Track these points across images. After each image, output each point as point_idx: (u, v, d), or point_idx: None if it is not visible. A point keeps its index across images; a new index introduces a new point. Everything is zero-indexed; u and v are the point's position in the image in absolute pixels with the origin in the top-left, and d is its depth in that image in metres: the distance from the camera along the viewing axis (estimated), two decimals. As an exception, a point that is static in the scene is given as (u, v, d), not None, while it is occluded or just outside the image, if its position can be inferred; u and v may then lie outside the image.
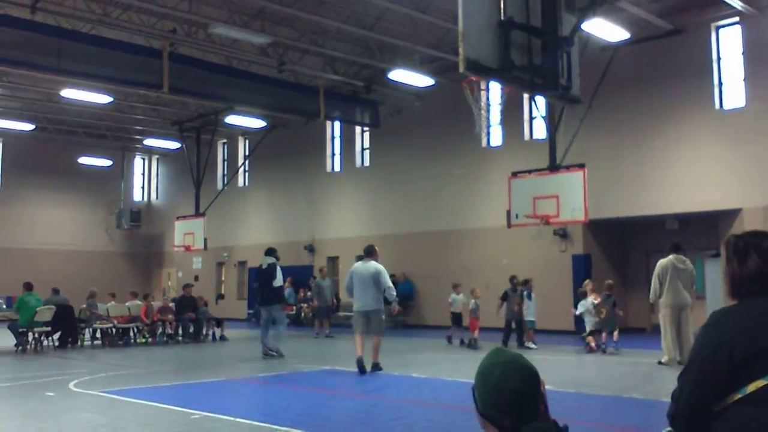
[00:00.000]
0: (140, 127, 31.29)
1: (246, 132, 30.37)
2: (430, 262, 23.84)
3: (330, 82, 23.22)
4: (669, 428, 2.61)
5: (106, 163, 33.71)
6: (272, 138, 27.64)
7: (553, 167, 16.78)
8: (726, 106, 18.49)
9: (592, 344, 15.41)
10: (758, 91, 17.70)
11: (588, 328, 15.70)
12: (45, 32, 17.17)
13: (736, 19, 18.12)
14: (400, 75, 20.76)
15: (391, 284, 12.37)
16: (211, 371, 13.39)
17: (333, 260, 27.23)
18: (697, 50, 18.66)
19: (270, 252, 15.92)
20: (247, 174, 32.13)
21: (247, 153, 31.38)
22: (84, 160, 32.77)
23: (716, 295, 17.35)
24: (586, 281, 16.67)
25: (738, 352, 2.43)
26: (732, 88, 18.48)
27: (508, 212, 16.81)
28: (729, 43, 18.60)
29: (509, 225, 16.94)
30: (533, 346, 16.10)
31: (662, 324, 13.12)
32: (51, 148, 32.03)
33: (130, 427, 7.99)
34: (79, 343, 18.33)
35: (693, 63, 18.67)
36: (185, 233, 25.36)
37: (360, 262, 12.60)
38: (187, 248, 25.39)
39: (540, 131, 21.37)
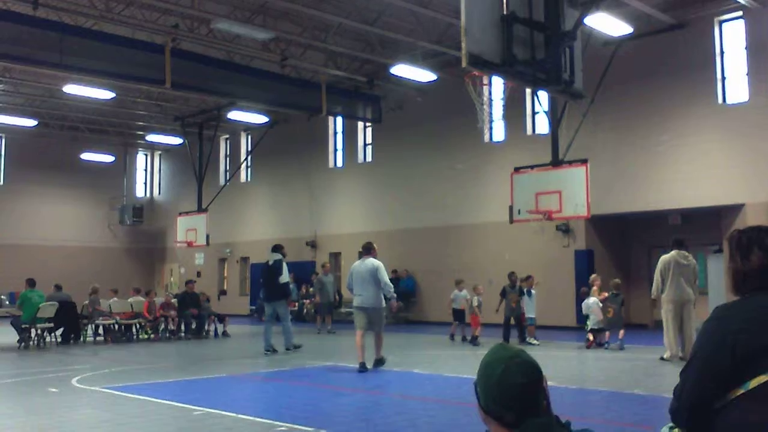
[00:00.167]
0: (142, 123, 31.29)
1: (248, 127, 30.37)
2: (432, 257, 23.83)
3: (332, 77, 23.19)
4: (671, 424, 2.60)
5: (108, 158, 33.73)
6: (274, 133, 27.63)
7: (556, 162, 16.76)
8: (729, 100, 18.44)
9: (591, 338, 15.41)
10: (761, 85, 17.65)
11: (589, 326, 15.68)
12: (47, 28, 17.18)
13: (740, 13, 18.08)
14: (403, 70, 20.74)
15: (388, 280, 12.26)
16: (214, 367, 13.39)
17: (335, 256, 27.24)
18: (700, 45, 18.61)
19: (276, 248, 15.98)
20: (249, 170, 32.15)
21: (249, 149, 31.40)
22: (86, 155, 32.81)
23: (719, 291, 17.34)
24: (593, 276, 16.56)
25: (741, 347, 2.41)
26: (735, 82, 18.44)
27: (511, 208, 16.78)
28: (732, 38, 18.55)
29: (512, 220, 16.91)
30: (535, 342, 16.09)
31: (664, 320, 13.08)
32: (53, 144, 32.07)
33: (133, 424, 7.99)
34: (81, 339, 18.35)
35: (696, 57, 18.63)
36: (187, 229, 25.37)
37: (358, 261, 12.56)
38: (190, 244, 25.40)
39: (542, 126, 21.33)
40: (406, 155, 25.07)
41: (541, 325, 17.48)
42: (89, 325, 18.77)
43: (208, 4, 18.50)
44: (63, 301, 17.75)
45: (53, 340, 17.82)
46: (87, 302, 18.76)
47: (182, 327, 19.77)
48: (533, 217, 16.57)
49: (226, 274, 33.01)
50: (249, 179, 32.24)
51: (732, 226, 15.95)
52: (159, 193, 37.38)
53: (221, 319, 20.43)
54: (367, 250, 12.52)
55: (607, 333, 15.32)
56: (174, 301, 20.16)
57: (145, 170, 37.67)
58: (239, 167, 31.21)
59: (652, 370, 12.11)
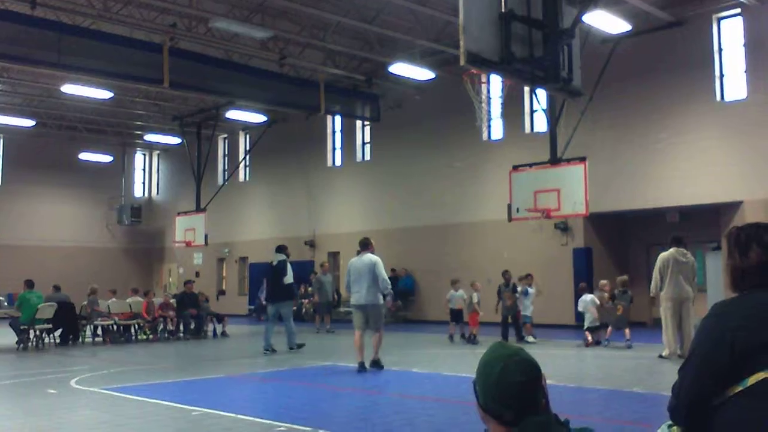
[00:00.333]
0: (141, 123, 31.27)
1: (247, 127, 30.35)
2: (431, 256, 23.83)
3: (330, 76, 23.18)
4: (670, 422, 2.59)
5: (106, 158, 33.71)
6: (273, 133, 27.61)
7: (554, 160, 16.75)
8: (727, 98, 18.44)
9: (590, 339, 15.41)
10: (760, 82, 17.65)
11: (586, 324, 15.69)
12: (45, 27, 17.15)
13: (738, 10, 18.08)
14: (401, 68, 20.72)
15: (385, 276, 12.06)
16: (212, 368, 13.38)
17: (334, 255, 27.23)
18: (699, 42, 18.60)
19: (281, 249, 16.06)
20: (247, 169, 32.14)
21: (247, 148, 31.39)
22: (84, 155, 32.78)
23: (717, 288, 17.34)
24: (603, 282, 16.37)
25: (739, 344, 2.40)
26: (733, 79, 18.44)
27: (509, 206, 16.78)
28: (730, 35, 18.55)
29: (510, 219, 16.90)
30: (532, 339, 16.07)
31: (663, 317, 13.08)
32: (51, 143, 32.04)
33: (132, 424, 7.98)
34: (80, 340, 18.33)
35: (694, 55, 18.62)
36: (186, 229, 25.36)
37: (356, 257, 12.37)
38: (188, 244, 25.39)
39: (541, 124, 21.33)
40: (405, 154, 25.06)
41: (539, 323, 17.47)
42: (88, 326, 18.75)
43: (206, 3, 18.48)
44: (61, 302, 17.73)
45: (52, 341, 17.80)
46: (86, 303, 18.74)
47: (181, 327, 19.75)
48: (532, 216, 16.56)
49: (224, 274, 32.99)
50: (247, 179, 32.22)
51: (730, 224, 15.94)
52: (157, 192, 37.35)
53: (220, 319, 20.41)
54: (365, 246, 12.33)
55: (609, 329, 15.32)
56: (173, 301, 20.14)
57: (144, 170, 37.64)
58: (238, 167, 31.20)
59: (651, 368, 12.11)
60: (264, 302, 27.17)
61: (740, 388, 2.39)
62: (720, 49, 18.65)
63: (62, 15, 18.33)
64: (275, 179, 30.11)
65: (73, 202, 33.44)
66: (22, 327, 16.82)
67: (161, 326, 19.56)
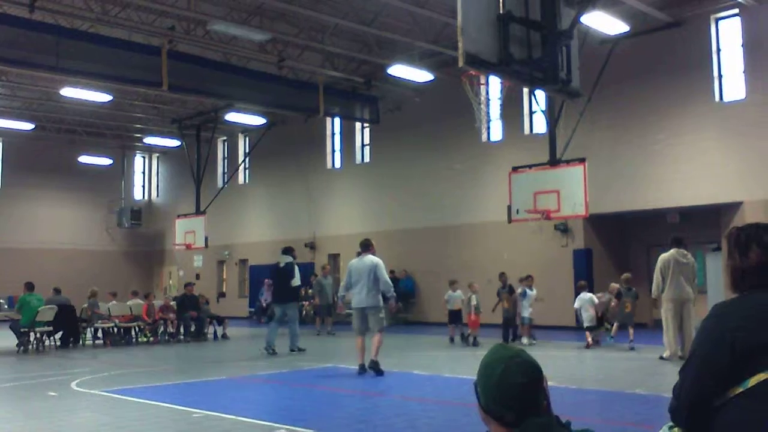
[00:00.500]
0: (140, 126, 31.27)
1: (246, 129, 30.35)
2: (431, 258, 23.82)
3: (329, 78, 23.18)
4: (671, 423, 2.59)
5: (106, 161, 33.71)
6: (272, 135, 27.60)
7: (554, 162, 16.75)
8: (726, 98, 18.45)
9: (589, 340, 15.42)
10: (758, 83, 17.66)
11: (585, 323, 15.69)
12: (44, 31, 17.15)
13: (736, 11, 18.09)
14: (400, 70, 20.73)
15: (388, 279, 11.96)
16: (213, 370, 13.38)
17: (334, 257, 27.23)
18: (697, 43, 18.62)
19: (287, 251, 16.13)
20: (247, 171, 32.13)
21: (247, 150, 31.39)
22: (84, 158, 32.77)
23: (718, 289, 17.33)
24: (614, 285, 16.27)
25: (740, 345, 2.40)
26: (732, 80, 18.45)
27: (509, 207, 16.77)
28: (729, 36, 18.56)
29: (510, 220, 16.90)
30: (526, 341, 16.02)
31: (664, 318, 13.06)
32: (51, 147, 32.03)
33: (132, 427, 7.98)
34: (80, 342, 18.33)
35: (693, 55, 18.63)
36: (186, 231, 25.34)
37: (356, 258, 12.25)
38: (188, 246, 25.38)
39: (540, 125, 21.34)
40: (404, 155, 25.07)
41: (539, 324, 17.46)
42: (88, 329, 18.75)
43: (204, 5, 18.49)
44: (62, 305, 17.73)
45: (52, 343, 17.80)
46: (86, 305, 18.74)
47: (181, 330, 19.75)
48: (531, 217, 16.55)
49: (224, 277, 32.98)
50: (247, 181, 32.22)
51: (730, 224, 15.96)
52: (157, 195, 37.35)
53: (220, 321, 20.41)
54: (366, 247, 12.19)
55: (615, 326, 15.35)
56: (173, 303, 20.14)
57: (143, 173, 37.64)
58: (237, 169, 31.20)
59: (652, 370, 12.11)
60: (264, 304, 27.29)
61: (741, 389, 2.39)
62: (718, 50, 18.66)
63: (60, 18, 18.33)
64: (275, 181, 30.12)
65: (73, 205, 33.43)
66: (22, 330, 16.82)
67: (161, 329, 19.56)
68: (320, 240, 27.81)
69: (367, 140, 27.29)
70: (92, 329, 18.79)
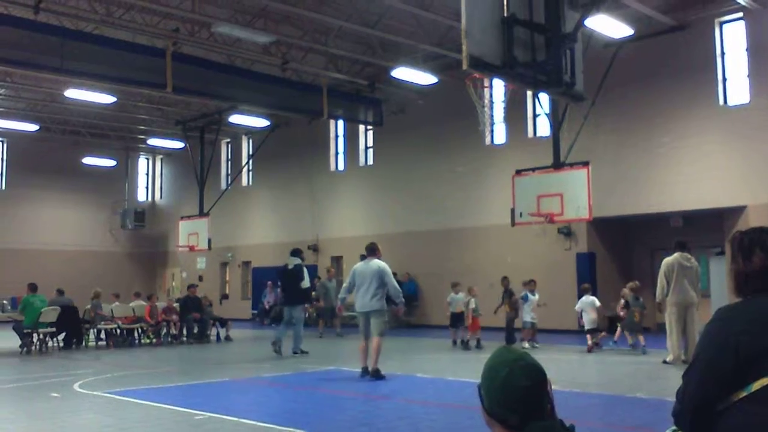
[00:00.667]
0: (144, 127, 31.31)
1: (249, 131, 30.38)
2: (434, 261, 23.80)
3: (333, 80, 23.19)
4: (674, 427, 2.59)
5: (110, 163, 33.75)
6: (276, 137, 27.62)
7: (557, 165, 16.73)
8: (730, 102, 18.43)
9: (589, 342, 15.42)
10: (763, 87, 17.63)
11: (587, 326, 15.69)
12: (48, 32, 17.17)
13: (740, 14, 18.06)
14: (403, 73, 20.74)
15: (396, 284, 11.87)
16: (216, 372, 13.38)
17: (337, 260, 27.22)
18: (701, 46, 18.59)
19: (296, 253, 16.24)
20: (250, 173, 32.15)
21: (250, 152, 31.40)
22: (88, 160, 32.80)
23: (721, 293, 17.30)
24: (625, 291, 16.21)
25: (743, 349, 2.40)
26: (736, 84, 18.42)
27: (512, 210, 16.75)
28: (733, 39, 18.53)
29: (513, 223, 16.87)
30: (526, 345, 15.97)
31: (668, 322, 13.04)
32: (55, 148, 32.07)
33: (135, 428, 7.98)
34: (83, 343, 18.34)
35: (697, 59, 18.61)
36: (189, 233, 25.36)
37: (362, 262, 12.12)
38: (191, 248, 25.40)
39: (544, 128, 21.31)
40: (408, 158, 25.06)
41: (542, 328, 17.44)
42: (91, 330, 18.77)
43: (208, 8, 18.51)
44: (65, 306, 17.75)
45: (55, 344, 17.81)
46: (89, 307, 18.76)
47: (184, 331, 19.76)
48: (535, 220, 16.53)
49: (227, 278, 32.99)
50: (250, 183, 32.24)
51: (734, 228, 15.93)
52: (161, 197, 37.38)
53: (223, 323, 20.42)
54: (372, 251, 12.02)
55: (618, 331, 15.33)
56: (176, 305, 20.15)
57: (147, 174, 37.67)
58: (241, 171, 31.22)
59: (655, 374, 12.09)
60: (267, 306, 27.31)
61: (745, 394, 2.39)
62: (723, 54, 18.63)
63: (65, 20, 18.37)
64: (278, 183, 30.13)
65: (77, 206, 33.46)
66: (25, 331, 16.84)
67: (164, 330, 19.57)
68: (323, 242, 27.80)
69: (370, 143, 27.29)
70: (95, 330, 18.81)
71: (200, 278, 31.70)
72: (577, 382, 10.84)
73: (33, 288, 17.47)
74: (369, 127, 26.54)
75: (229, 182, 30.73)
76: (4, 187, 32.33)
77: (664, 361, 12.90)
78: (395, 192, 25.49)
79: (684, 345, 12.85)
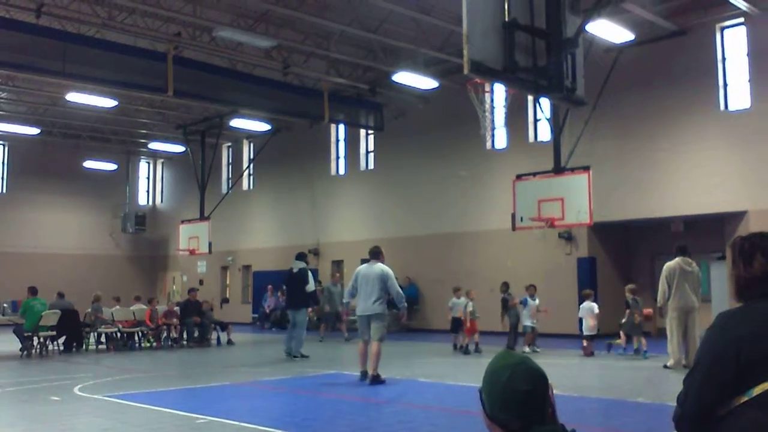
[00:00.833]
0: (145, 131, 31.34)
1: (251, 135, 30.40)
2: (435, 265, 23.80)
3: (334, 84, 23.21)
4: (675, 432, 2.59)
5: (111, 167, 33.77)
6: (277, 141, 27.65)
7: (558, 169, 16.74)
8: (731, 107, 18.44)
9: (585, 344, 15.44)
10: (763, 92, 17.64)
11: (585, 332, 15.69)
12: (50, 36, 17.21)
13: (741, 20, 18.08)
14: (405, 77, 20.75)
15: (399, 290, 11.83)
16: (216, 375, 13.37)
17: (338, 264, 27.22)
18: (702, 51, 18.61)
19: (301, 256, 16.36)
20: (251, 177, 32.16)
21: (251, 156, 31.42)
22: (89, 164, 32.83)
23: (722, 298, 17.30)
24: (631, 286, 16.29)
25: (744, 354, 2.40)
26: (737, 89, 18.43)
27: (513, 215, 16.76)
28: (734, 44, 18.55)
29: (514, 228, 16.89)
30: (526, 350, 15.93)
31: (669, 327, 13.03)
32: (56, 152, 32.11)
33: None
34: (84, 347, 18.32)
35: (698, 64, 18.62)
36: (190, 237, 25.37)
37: (365, 265, 12.06)
38: (192, 252, 25.41)
39: (544, 133, 21.33)
40: (409, 162, 25.08)
41: (543, 332, 17.43)
42: (92, 333, 18.76)
43: (210, 12, 18.54)
44: (65, 309, 17.74)
45: (56, 348, 17.80)
46: (89, 310, 18.76)
47: (185, 335, 19.75)
48: (536, 225, 16.54)
49: (228, 282, 33.00)
50: (251, 187, 32.25)
51: (735, 233, 15.92)
52: (161, 201, 37.40)
53: (223, 327, 20.41)
54: (375, 255, 11.96)
55: (623, 337, 15.29)
56: (176, 309, 20.15)
57: (148, 178, 37.70)
58: (241, 175, 31.23)
59: (656, 378, 12.08)
60: (268, 310, 27.32)
61: (746, 399, 2.39)
62: (723, 59, 18.65)
63: (67, 24, 18.40)
64: (279, 188, 30.14)
65: (78, 210, 33.49)
66: (25, 334, 16.83)
67: (165, 334, 19.56)
68: (324, 246, 27.80)
69: (371, 147, 27.30)
70: (95, 334, 18.80)
71: (201, 282, 31.69)
72: (578, 386, 10.83)
73: (33, 291, 17.47)
74: (370, 131, 26.57)
75: (230, 186, 30.76)
76: (5, 191, 32.36)
77: (665, 366, 12.89)
78: (396, 196, 25.50)
79: (685, 350, 12.85)
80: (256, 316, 28.84)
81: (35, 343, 17.05)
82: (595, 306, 15.85)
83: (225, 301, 32.18)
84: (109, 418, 8.79)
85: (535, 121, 22.25)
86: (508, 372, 2.12)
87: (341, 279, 22.93)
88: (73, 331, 18.04)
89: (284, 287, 17.53)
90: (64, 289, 19.41)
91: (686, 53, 18.69)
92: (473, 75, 8.83)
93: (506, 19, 8.11)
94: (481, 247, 22.73)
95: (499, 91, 20.80)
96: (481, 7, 7.96)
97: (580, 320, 16.18)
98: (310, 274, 16.03)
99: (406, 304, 12.47)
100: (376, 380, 11.50)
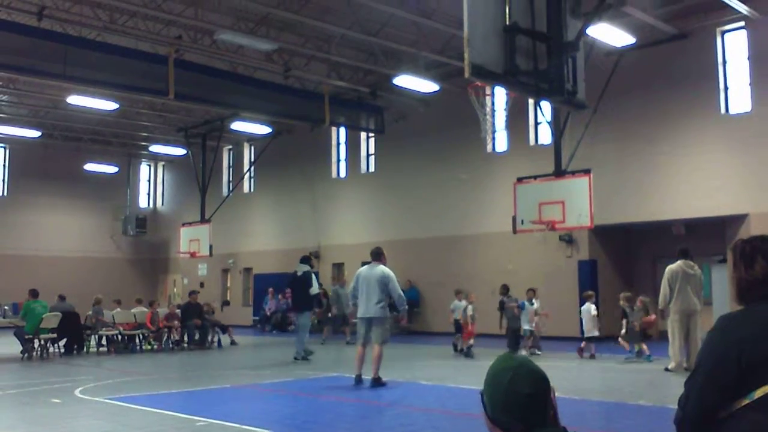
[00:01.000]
0: (146, 134, 31.36)
1: (251, 138, 30.41)
2: (436, 268, 23.80)
3: (335, 88, 23.24)
4: (676, 435, 2.59)
5: (112, 169, 33.79)
6: (277, 144, 27.67)
7: (559, 173, 16.75)
8: (732, 110, 18.44)
9: (582, 346, 15.45)
10: (764, 95, 17.64)
11: (586, 335, 15.69)
12: (51, 39, 17.24)
13: (742, 23, 18.09)
14: (405, 81, 20.76)
15: (401, 292, 11.71)
16: (217, 378, 13.37)
17: (338, 266, 27.22)
18: (703, 55, 18.62)
19: (305, 260, 16.49)
20: (252, 180, 32.17)
21: (252, 159, 31.43)
22: (90, 166, 32.85)
23: (723, 301, 17.31)
24: (641, 299, 16.14)
25: (745, 357, 2.41)
26: (738, 92, 18.44)
27: (514, 218, 16.77)
28: (734, 48, 18.56)
29: (515, 231, 16.89)
30: (525, 353, 15.92)
31: (671, 330, 13.02)
32: (57, 154, 32.13)
33: (136, 434, 7.98)
34: (84, 349, 18.34)
35: (698, 68, 18.63)
36: (191, 240, 25.38)
37: (366, 266, 11.96)
38: (193, 255, 25.41)
39: (545, 136, 21.34)
40: (409, 165, 25.08)
41: (543, 335, 17.42)
42: (92, 336, 18.77)
43: (211, 15, 18.56)
44: (66, 312, 17.75)
45: (56, 350, 17.81)
46: (90, 313, 18.77)
47: (185, 338, 19.75)
48: (536, 228, 16.54)
49: (229, 285, 32.99)
50: (252, 190, 32.26)
51: (736, 236, 15.92)
52: (162, 203, 37.42)
53: (224, 329, 20.41)
54: (377, 256, 11.84)
55: (626, 344, 15.23)
56: (177, 311, 20.16)
57: (149, 181, 37.71)
58: (242, 178, 31.25)
59: (657, 381, 12.08)
60: (269, 313, 27.32)
61: (747, 401, 2.39)
62: (724, 62, 18.66)
63: (68, 27, 18.42)
64: (280, 190, 30.15)
65: (79, 212, 33.50)
66: (26, 336, 16.84)
67: (165, 336, 19.57)
68: (325, 249, 27.80)
69: (372, 150, 27.31)
70: (96, 336, 18.82)
71: (201, 285, 31.67)
72: (579, 389, 10.82)
73: (34, 294, 17.48)
74: (371, 134, 26.58)
75: (231, 189, 30.76)
76: (5, 194, 32.38)
77: (666, 369, 12.88)
78: (397, 199, 25.51)
79: (686, 352, 12.83)
80: (257, 318, 28.83)
81: (36, 345, 17.05)
82: (592, 307, 15.85)
83: (226, 303, 32.17)
84: (109, 421, 8.80)
85: (536, 124, 22.26)
86: (509, 374, 2.13)
87: (337, 280, 22.96)
88: (73, 333, 18.05)
89: (288, 290, 17.70)
90: (65, 292, 19.42)
91: (687, 57, 18.70)
92: (474, 78, 8.85)
93: (507, 23, 8.12)
94: (482, 250, 22.73)
95: (500, 95, 20.82)
96: (482, 11, 7.97)
97: (581, 321, 16.20)
98: (314, 277, 16.13)
99: (407, 307, 12.40)
100: (377, 383, 11.44)
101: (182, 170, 34.13)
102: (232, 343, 19.93)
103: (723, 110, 18.48)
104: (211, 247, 24.60)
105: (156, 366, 15.89)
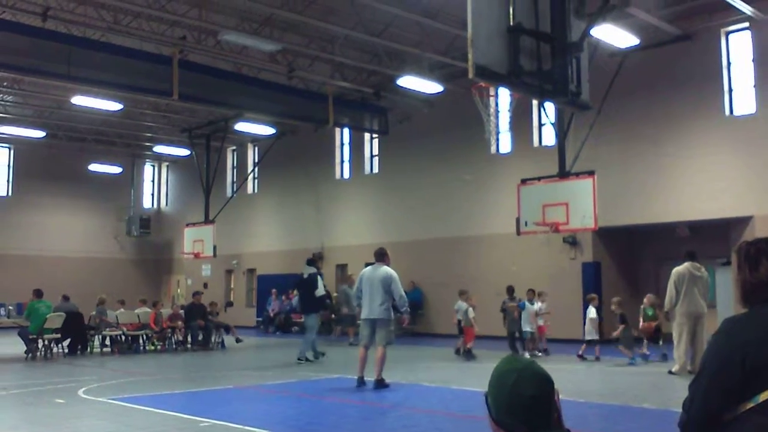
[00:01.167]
0: (150, 134, 31.40)
1: (255, 139, 30.43)
2: (439, 269, 23.78)
3: (339, 88, 23.24)
4: (680, 438, 2.58)
5: (116, 170, 33.83)
6: (281, 145, 27.68)
7: (563, 174, 16.72)
8: (736, 112, 18.40)
9: (583, 347, 15.44)
10: (769, 97, 17.61)
11: (587, 337, 15.67)
12: (56, 39, 17.26)
13: (746, 24, 18.05)
14: (409, 81, 20.76)
15: (403, 293, 11.62)
16: (220, 379, 13.38)
17: (342, 267, 27.21)
18: (707, 56, 18.59)
19: (311, 262, 16.54)
20: (256, 181, 32.20)
21: (256, 160, 31.45)
22: (94, 167, 32.90)
23: (728, 304, 17.26)
24: (648, 296, 16.17)
25: (750, 360, 2.40)
26: (742, 94, 18.40)
27: (518, 219, 16.74)
28: (739, 49, 18.52)
29: (518, 232, 16.86)
30: (526, 355, 15.87)
31: (676, 333, 12.97)
32: (61, 155, 32.19)
33: (139, 435, 7.98)
34: (88, 350, 18.37)
35: (703, 69, 18.60)
36: (194, 240, 25.38)
37: (370, 267, 11.93)
38: (197, 255, 25.40)
39: (549, 138, 21.32)
40: (413, 166, 25.07)
41: (547, 337, 17.40)
42: (96, 336, 18.80)
43: (215, 16, 18.59)
44: (70, 312, 17.77)
45: (60, 350, 17.83)
46: (94, 313, 18.79)
47: (189, 338, 19.76)
48: (540, 229, 16.50)
49: (232, 286, 33.01)
50: (256, 191, 32.28)
51: (740, 238, 15.89)
52: (166, 204, 37.46)
53: (227, 329, 20.42)
54: (380, 257, 11.81)
55: (628, 352, 15.16)
56: (181, 312, 20.18)
57: (153, 181, 37.75)
58: (246, 179, 31.26)
59: (661, 384, 12.05)
60: (272, 314, 27.33)
61: (752, 405, 2.38)
62: (729, 64, 18.62)
63: (73, 27, 18.45)
64: (284, 191, 30.16)
65: (83, 213, 33.55)
66: (30, 336, 16.86)
67: (169, 337, 19.58)
68: (328, 250, 27.79)
69: (376, 151, 27.32)
70: (100, 337, 18.84)
71: (205, 285, 31.66)
72: (582, 391, 10.80)
73: (38, 294, 17.51)
74: (374, 135, 26.58)
75: (235, 190, 30.77)
76: (10, 194, 32.42)
77: (670, 372, 12.84)
78: (400, 200, 25.50)
79: (691, 355, 12.78)
80: (261, 319, 28.84)
81: (40, 345, 17.07)
82: (592, 311, 15.82)
83: (229, 304, 32.14)
84: (113, 421, 8.80)
85: (540, 125, 22.24)
86: (513, 376, 2.12)
87: (341, 281, 22.99)
88: (77, 333, 18.09)
89: (291, 291, 17.77)
90: (69, 292, 19.45)
91: (691, 58, 18.67)
92: (478, 79, 8.83)
93: (511, 24, 8.10)
94: (486, 251, 22.71)
95: (504, 96, 20.81)
96: (485, 12, 7.95)
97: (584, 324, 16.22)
98: (320, 279, 16.20)
99: (409, 309, 12.35)
100: (380, 385, 11.41)
101: (186, 171, 34.17)
102: (237, 340, 19.95)
103: (727, 112, 18.44)
104: (214, 247, 24.59)
105: (159, 366, 15.90)
